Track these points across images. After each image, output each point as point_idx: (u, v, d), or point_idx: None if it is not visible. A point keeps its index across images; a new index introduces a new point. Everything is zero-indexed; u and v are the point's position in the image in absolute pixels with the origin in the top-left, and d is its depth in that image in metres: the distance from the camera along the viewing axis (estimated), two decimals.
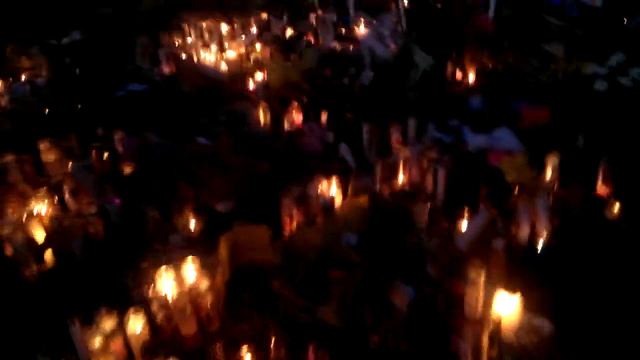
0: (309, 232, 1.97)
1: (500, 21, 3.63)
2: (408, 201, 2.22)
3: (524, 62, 3.08)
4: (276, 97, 3.28)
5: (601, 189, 2.16)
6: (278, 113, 3.08)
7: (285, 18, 4.73)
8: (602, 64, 2.59)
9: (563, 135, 2.40)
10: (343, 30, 4.30)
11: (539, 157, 2.24)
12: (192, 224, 2.17)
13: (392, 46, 3.63)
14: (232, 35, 4.53)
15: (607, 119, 2.38)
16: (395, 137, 2.74)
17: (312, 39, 4.23)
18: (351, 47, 3.86)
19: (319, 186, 2.25)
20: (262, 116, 3.11)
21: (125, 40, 4.20)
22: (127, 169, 2.61)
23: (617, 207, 2.05)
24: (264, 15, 4.81)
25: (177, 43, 4.41)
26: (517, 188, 2.15)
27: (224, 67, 3.96)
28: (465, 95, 3.05)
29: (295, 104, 3.07)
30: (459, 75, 3.29)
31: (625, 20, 3.07)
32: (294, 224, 2.11)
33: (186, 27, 4.57)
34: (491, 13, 3.47)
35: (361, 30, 4.21)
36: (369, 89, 3.12)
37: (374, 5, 4.45)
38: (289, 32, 4.44)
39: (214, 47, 4.29)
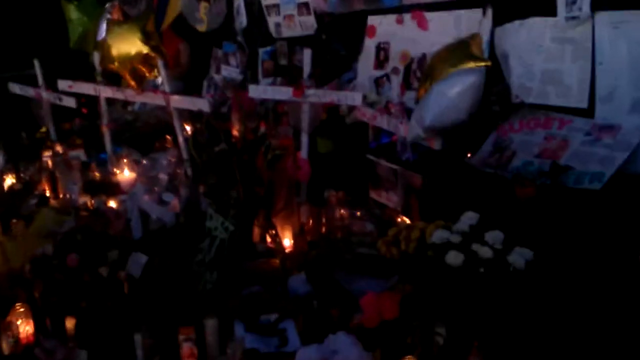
0: None
1: (318, 160, 3.95)
2: None
3: (354, 222, 3.34)
4: None
5: None
6: None
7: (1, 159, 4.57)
8: (452, 229, 2.84)
9: (418, 331, 2.55)
10: (97, 175, 4.31)
11: None
12: None
13: (174, 202, 3.69)
14: None
15: (470, 303, 2.59)
16: (186, 349, 2.69)
17: (47, 192, 4.17)
18: (111, 204, 3.86)
19: None
20: None
21: None
22: None
23: None
24: None
25: None
26: None
27: None
28: (282, 273, 3.18)
29: (22, 307, 2.91)
30: (270, 243, 3.45)
31: (470, 155, 3.53)
32: None
33: None
34: (304, 153, 3.77)
35: (125, 174, 4.28)
36: (143, 281, 3.07)
37: (145, 138, 4.62)
38: (10, 181, 4.31)
39: None
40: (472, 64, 3.51)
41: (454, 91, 3.35)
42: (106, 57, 4.99)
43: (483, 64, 3.51)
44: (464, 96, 3.35)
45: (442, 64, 3.65)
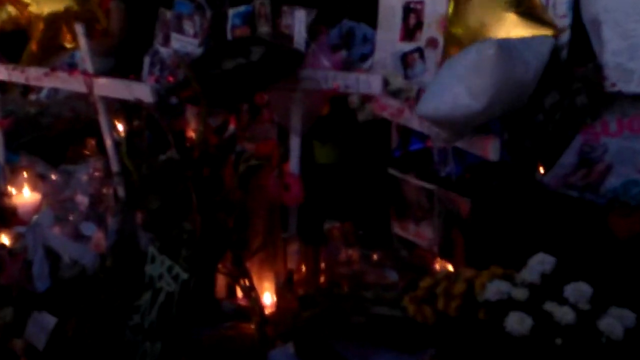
0: None
1: (315, 175, 4.04)
2: None
3: (368, 269, 3.38)
4: None
5: None
6: None
7: None
8: (515, 279, 2.85)
9: None
10: None
11: None
12: None
13: (98, 237, 3.77)
14: None
15: None
16: None
17: None
18: (4, 239, 3.97)
19: None
20: None
21: None
22: None
23: None
24: None
25: None
26: None
27: None
28: (260, 345, 3.23)
29: None
30: (242, 300, 3.51)
31: (543, 170, 3.54)
32: None
33: None
34: (294, 165, 3.80)
35: (25, 195, 4.38)
36: (49, 354, 3.12)
37: (56, 141, 4.67)
38: None
39: None
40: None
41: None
42: None
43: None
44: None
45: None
